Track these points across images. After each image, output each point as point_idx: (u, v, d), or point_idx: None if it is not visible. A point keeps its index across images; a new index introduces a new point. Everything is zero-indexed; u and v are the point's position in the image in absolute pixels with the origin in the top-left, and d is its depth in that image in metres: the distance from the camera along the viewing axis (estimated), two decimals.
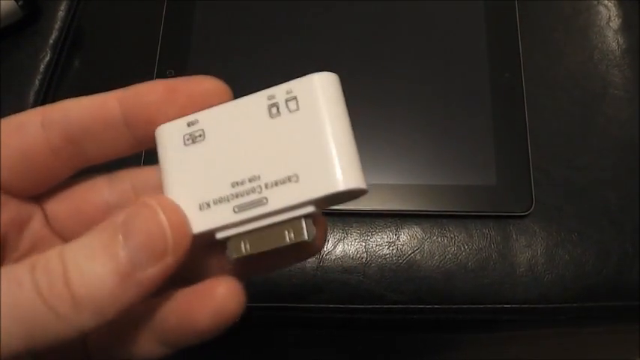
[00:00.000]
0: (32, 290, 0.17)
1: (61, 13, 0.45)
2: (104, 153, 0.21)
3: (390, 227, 0.42)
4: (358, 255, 0.41)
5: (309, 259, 0.41)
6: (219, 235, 0.20)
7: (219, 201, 0.19)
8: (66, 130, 0.20)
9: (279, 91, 0.20)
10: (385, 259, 0.41)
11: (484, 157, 0.42)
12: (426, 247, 0.41)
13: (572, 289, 0.40)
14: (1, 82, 0.43)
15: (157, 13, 0.46)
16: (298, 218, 0.19)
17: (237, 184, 0.19)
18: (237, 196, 0.19)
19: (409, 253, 0.41)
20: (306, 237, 0.19)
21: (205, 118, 0.20)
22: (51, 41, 0.44)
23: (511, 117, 0.43)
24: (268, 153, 0.19)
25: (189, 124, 0.20)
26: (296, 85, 0.20)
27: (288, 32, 0.46)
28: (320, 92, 0.19)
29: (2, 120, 0.20)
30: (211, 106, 0.21)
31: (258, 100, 0.20)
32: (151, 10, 0.46)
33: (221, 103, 0.21)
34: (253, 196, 0.19)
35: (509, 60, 0.44)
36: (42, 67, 0.44)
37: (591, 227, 0.41)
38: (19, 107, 0.43)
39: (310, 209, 0.19)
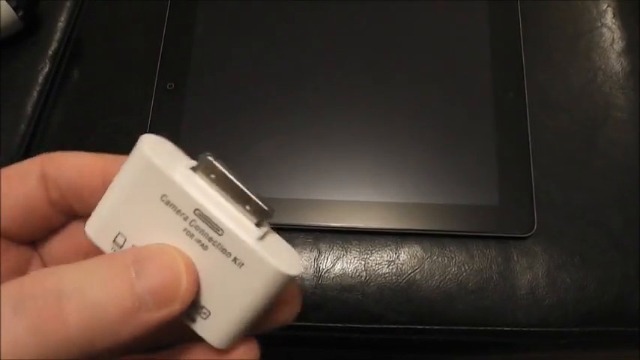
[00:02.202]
0: (19, 318, 0.17)
1: (60, 25, 0.44)
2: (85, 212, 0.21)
3: (390, 246, 0.42)
4: (357, 273, 0.41)
5: (308, 277, 0.41)
6: None
7: None
8: (60, 187, 0.21)
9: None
10: (385, 278, 0.41)
11: (486, 177, 0.42)
12: (426, 266, 0.41)
13: (573, 314, 0.40)
14: (0, 93, 0.42)
15: (158, 26, 0.45)
16: None
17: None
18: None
19: (409, 272, 0.41)
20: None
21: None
22: (50, 52, 0.44)
23: (514, 137, 0.43)
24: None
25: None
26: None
27: (289, 44, 0.46)
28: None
29: (2, 170, 0.21)
30: None
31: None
32: (151, 22, 0.46)
33: None
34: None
35: (513, 80, 0.44)
36: (41, 78, 0.43)
37: (593, 250, 0.41)
38: (17, 119, 0.42)
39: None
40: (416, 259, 0.41)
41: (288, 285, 0.19)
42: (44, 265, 0.23)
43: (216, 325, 0.20)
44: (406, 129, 0.43)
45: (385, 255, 0.41)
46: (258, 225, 0.19)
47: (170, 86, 0.43)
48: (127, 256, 0.18)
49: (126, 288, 0.17)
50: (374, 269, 0.41)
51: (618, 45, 0.47)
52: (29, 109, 0.42)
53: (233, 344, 0.20)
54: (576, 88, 0.46)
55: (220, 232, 0.19)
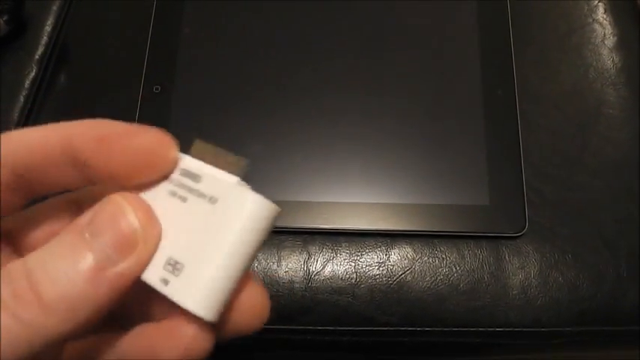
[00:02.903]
0: None
1: (47, 28, 0.44)
2: (51, 187, 0.21)
3: (380, 247, 0.41)
4: (348, 275, 0.41)
5: (297, 280, 0.40)
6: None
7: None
8: (13, 165, 0.20)
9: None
10: (375, 279, 0.40)
11: (476, 176, 0.42)
12: (417, 267, 0.41)
13: (565, 313, 0.40)
14: None
15: (144, 29, 0.45)
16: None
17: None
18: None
19: (400, 273, 0.41)
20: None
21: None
22: (36, 57, 0.44)
23: (504, 135, 0.42)
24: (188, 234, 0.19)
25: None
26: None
27: (277, 44, 0.45)
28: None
29: None
30: (149, 162, 0.20)
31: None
32: (138, 25, 0.46)
33: (161, 157, 0.20)
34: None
35: (503, 78, 0.44)
36: (27, 82, 0.43)
37: (586, 249, 0.41)
38: (4, 123, 0.42)
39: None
40: (406, 260, 0.41)
41: (266, 227, 0.18)
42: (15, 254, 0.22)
43: (192, 281, 0.18)
44: (395, 129, 0.43)
45: (375, 256, 0.41)
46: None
47: (157, 89, 0.43)
48: (80, 222, 0.18)
49: (84, 252, 0.18)
50: (364, 271, 0.41)
51: (610, 41, 0.47)
52: (16, 113, 0.42)
53: (214, 311, 0.18)
54: (567, 85, 0.45)
55: (199, 179, 0.19)
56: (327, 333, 0.40)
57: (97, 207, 0.19)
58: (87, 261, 0.17)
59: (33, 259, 0.18)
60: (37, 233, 0.22)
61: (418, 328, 0.40)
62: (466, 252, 0.41)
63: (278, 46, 0.45)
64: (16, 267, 0.17)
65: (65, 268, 0.17)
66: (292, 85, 0.44)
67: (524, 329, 0.39)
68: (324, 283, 0.40)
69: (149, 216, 0.19)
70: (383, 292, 0.40)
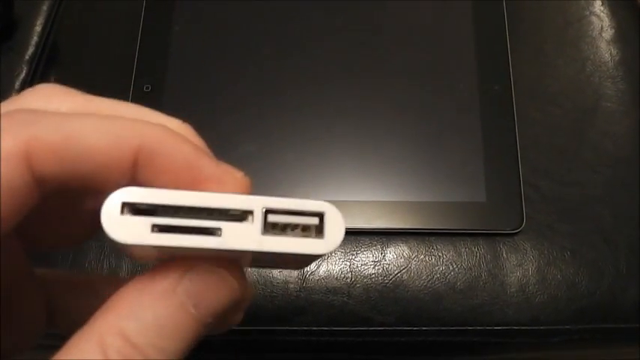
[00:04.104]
0: None
1: (37, 28, 0.44)
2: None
3: (375, 246, 0.41)
4: (343, 275, 0.40)
5: (292, 280, 0.40)
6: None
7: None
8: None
9: None
10: (371, 279, 0.40)
11: (473, 172, 0.41)
12: (413, 266, 0.40)
13: (564, 311, 0.39)
14: None
15: (134, 28, 0.45)
16: None
17: None
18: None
19: (395, 272, 0.40)
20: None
21: None
22: (27, 57, 0.43)
23: (501, 131, 0.42)
24: None
25: None
26: None
27: (269, 43, 0.45)
28: None
29: None
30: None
31: None
32: (127, 24, 0.45)
33: None
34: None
35: (499, 72, 0.43)
36: (17, 83, 0.43)
37: (584, 246, 0.40)
38: None
39: None
40: (402, 259, 0.40)
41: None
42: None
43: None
44: (390, 125, 0.42)
45: (371, 255, 0.40)
46: None
47: (147, 88, 0.43)
48: (179, 294, 0.17)
49: (190, 326, 0.18)
50: (360, 270, 0.40)
51: (607, 33, 0.46)
52: None
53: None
54: (565, 79, 0.45)
55: None
56: (323, 333, 0.40)
57: (199, 275, 0.18)
58: (192, 332, 0.18)
59: (135, 335, 0.17)
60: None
61: (415, 328, 0.39)
62: (463, 250, 0.40)
63: (271, 43, 0.45)
64: (117, 342, 0.17)
65: (169, 344, 0.17)
66: (285, 83, 0.44)
67: (523, 327, 0.39)
68: (319, 282, 0.40)
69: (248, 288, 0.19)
70: (379, 292, 0.40)
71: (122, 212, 0.17)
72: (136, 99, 0.42)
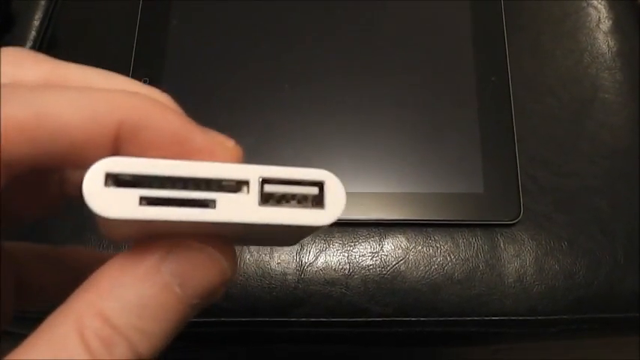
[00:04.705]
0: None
1: (35, 23, 0.44)
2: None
3: (373, 237, 0.41)
4: (340, 266, 0.40)
5: (290, 272, 0.40)
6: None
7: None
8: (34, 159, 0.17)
9: None
10: (369, 270, 0.40)
11: (470, 163, 0.41)
12: (410, 257, 0.40)
13: (562, 301, 0.39)
14: None
15: (131, 21, 0.45)
16: None
17: None
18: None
19: (393, 263, 0.40)
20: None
21: None
22: None
23: (498, 122, 0.42)
24: None
25: None
26: None
27: (267, 37, 0.45)
28: None
29: None
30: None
31: None
32: (125, 18, 0.45)
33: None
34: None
35: (496, 64, 0.43)
36: None
37: (582, 236, 0.40)
38: None
39: None
40: (400, 250, 0.40)
41: None
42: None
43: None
44: (387, 117, 0.42)
45: (369, 246, 0.40)
46: None
47: (145, 81, 0.43)
48: (164, 273, 0.17)
49: (175, 307, 0.17)
50: (357, 261, 0.40)
51: (605, 25, 0.46)
52: None
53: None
54: (562, 70, 0.44)
55: None
56: (321, 325, 0.40)
57: (184, 254, 0.17)
58: (178, 311, 0.17)
59: (115, 318, 0.16)
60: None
61: (413, 318, 0.39)
62: (460, 241, 0.40)
63: (268, 37, 0.45)
64: (96, 322, 0.16)
65: (155, 324, 0.16)
66: (283, 76, 0.44)
67: (520, 318, 0.39)
68: (317, 274, 0.40)
69: (236, 263, 0.18)
70: (376, 283, 0.40)
71: (106, 184, 0.16)
72: None
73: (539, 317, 0.39)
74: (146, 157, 0.16)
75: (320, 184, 0.17)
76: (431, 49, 0.44)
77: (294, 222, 0.17)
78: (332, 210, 0.17)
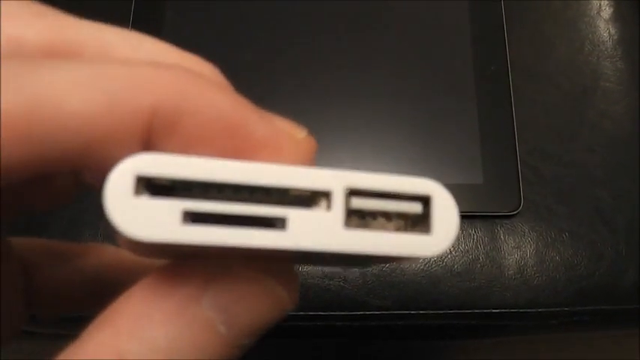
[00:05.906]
0: None
1: None
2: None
3: None
4: None
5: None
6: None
7: None
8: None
9: None
10: None
11: (470, 154, 0.40)
12: None
13: (563, 293, 0.39)
14: None
15: (126, 12, 0.44)
16: None
17: None
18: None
19: None
20: None
21: None
22: None
23: (498, 112, 0.41)
24: None
25: None
26: None
27: (266, 30, 0.44)
28: None
29: None
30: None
31: None
32: (119, 9, 0.45)
33: None
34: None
35: (495, 52, 0.43)
36: None
37: (583, 227, 0.39)
38: None
39: None
40: None
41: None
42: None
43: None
44: (386, 107, 0.42)
45: None
46: None
47: None
48: (204, 308, 0.13)
49: (217, 351, 0.13)
50: None
51: (606, 12, 0.45)
52: None
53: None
54: (563, 59, 0.44)
55: None
56: (319, 318, 0.39)
57: (231, 288, 0.13)
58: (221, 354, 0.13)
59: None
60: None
61: (412, 312, 0.39)
62: (460, 232, 0.40)
63: (267, 29, 0.44)
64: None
65: None
66: (282, 67, 0.43)
67: (521, 310, 0.38)
68: (315, 267, 0.39)
69: (297, 288, 0.14)
70: (375, 276, 0.39)
71: (136, 192, 0.11)
72: None
73: (540, 309, 0.38)
74: (188, 155, 0.12)
75: (425, 199, 0.13)
76: (430, 38, 0.43)
77: (392, 252, 0.13)
78: (442, 236, 0.13)
